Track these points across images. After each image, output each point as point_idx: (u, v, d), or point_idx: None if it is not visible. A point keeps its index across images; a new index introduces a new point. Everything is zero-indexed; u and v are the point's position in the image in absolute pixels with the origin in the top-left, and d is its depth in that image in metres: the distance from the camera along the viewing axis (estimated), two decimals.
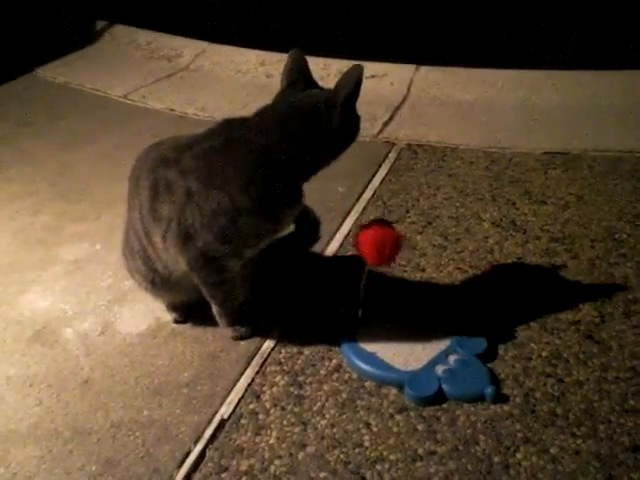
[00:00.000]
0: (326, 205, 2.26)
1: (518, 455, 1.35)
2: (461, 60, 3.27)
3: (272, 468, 1.38)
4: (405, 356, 1.58)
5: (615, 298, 1.76)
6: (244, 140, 1.53)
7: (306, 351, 1.67)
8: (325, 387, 1.56)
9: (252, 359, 1.67)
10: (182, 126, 2.98)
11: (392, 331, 1.66)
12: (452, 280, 1.88)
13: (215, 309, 1.71)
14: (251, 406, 1.53)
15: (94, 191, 2.55)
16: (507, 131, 2.75)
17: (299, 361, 1.65)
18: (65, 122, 3.22)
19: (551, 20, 3.36)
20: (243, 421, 1.50)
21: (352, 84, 1.49)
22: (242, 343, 1.72)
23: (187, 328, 1.80)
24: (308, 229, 1.90)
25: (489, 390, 1.47)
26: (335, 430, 1.45)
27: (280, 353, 1.68)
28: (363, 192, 2.36)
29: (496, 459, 1.35)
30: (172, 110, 3.26)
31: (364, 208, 2.26)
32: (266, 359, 1.66)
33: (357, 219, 2.20)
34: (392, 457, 1.38)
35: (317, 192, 2.30)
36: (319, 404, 1.52)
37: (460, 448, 1.38)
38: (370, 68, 3.41)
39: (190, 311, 1.81)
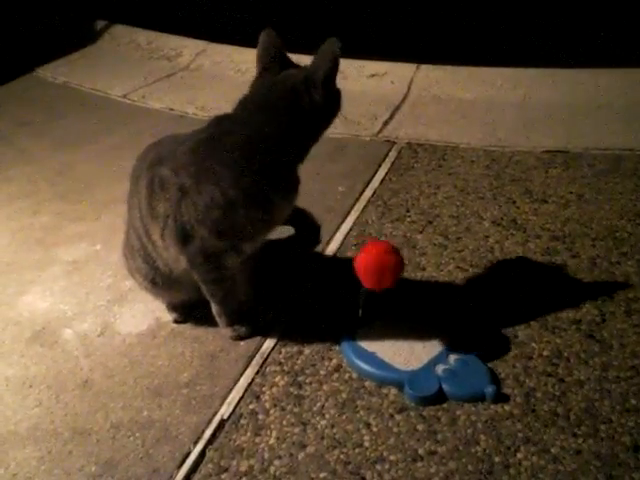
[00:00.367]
0: (326, 204, 2.26)
1: (519, 455, 1.35)
2: (461, 59, 3.27)
3: (272, 468, 1.38)
4: (405, 356, 1.58)
5: (616, 297, 1.75)
6: (230, 133, 1.53)
7: (306, 351, 1.67)
8: (325, 387, 1.56)
9: (252, 359, 1.66)
10: (182, 126, 2.97)
11: (392, 331, 1.65)
12: (452, 279, 1.88)
13: (215, 308, 1.71)
14: (251, 406, 1.53)
15: (94, 191, 2.54)
16: (507, 130, 2.75)
17: (299, 361, 1.64)
18: (65, 122, 3.22)
19: (551, 18, 3.35)
20: (243, 421, 1.49)
21: (330, 61, 1.48)
22: (242, 343, 1.72)
23: (187, 328, 1.80)
24: (307, 233, 1.90)
25: (489, 390, 1.46)
26: (335, 430, 1.45)
27: (280, 353, 1.67)
28: (363, 191, 2.36)
29: (497, 459, 1.34)
30: (172, 110, 3.26)
31: (364, 207, 2.26)
32: (266, 359, 1.66)
33: (357, 218, 2.19)
34: (392, 457, 1.37)
35: (317, 192, 2.31)
36: (319, 404, 1.51)
37: (460, 448, 1.38)
38: (370, 67, 3.42)
39: (190, 311, 1.81)
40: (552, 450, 1.35)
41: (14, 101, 3.55)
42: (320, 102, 1.51)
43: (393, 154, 2.62)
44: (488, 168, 2.46)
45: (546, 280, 1.86)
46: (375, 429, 1.44)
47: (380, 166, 2.54)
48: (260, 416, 1.50)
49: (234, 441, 1.45)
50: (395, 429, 1.43)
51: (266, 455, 1.41)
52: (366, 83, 3.33)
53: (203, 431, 1.48)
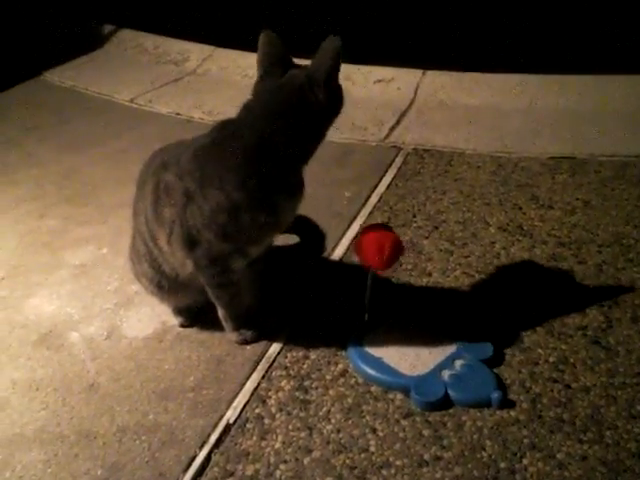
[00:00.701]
0: (332, 210, 2.26)
1: (524, 461, 1.35)
2: (467, 65, 3.27)
3: (278, 473, 1.38)
4: (411, 361, 1.58)
5: (622, 303, 1.75)
6: (234, 137, 1.53)
7: (312, 355, 1.67)
8: (331, 392, 1.56)
9: (258, 363, 1.66)
10: (188, 130, 2.97)
11: (398, 336, 1.65)
12: (458, 285, 1.88)
13: (221, 312, 1.71)
14: (257, 410, 1.53)
15: (100, 195, 2.55)
16: (513, 136, 2.75)
17: (305, 366, 1.64)
18: (72, 126, 3.23)
19: (557, 25, 3.35)
20: (249, 425, 1.49)
21: (332, 59, 1.48)
22: (248, 347, 1.72)
23: (193, 332, 1.80)
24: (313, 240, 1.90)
25: (495, 395, 1.46)
26: (341, 435, 1.45)
27: (286, 357, 1.68)
28: (369, 197, 2.36)
29: (502, 465, 1.34)
30: (178, 114, 3.27)
31: (370, 213, 2.26)
32: (272, 363, 1.66)
33: (363, 223, 2.19)
34: (398, 462, 1.37)
35: (323, 197, 2.31)
36: (325, 409, 1.51)
37: (466, 454, 1.38)
38: (377, 73, 3.43)
39: (196, 315, 1.81)
40: (558, 456, 1.35)
41: (21, 105, 3.57)
42: (323, 100, 1.50)
43: (399, 160, 2.62)
44: (494, 174, 2.46)
45: (552, 286, 1.85)
46: (381, 434, 1.44)
47: (386, 171, 2.54)
48: (266, 420, 1.50)
49: (240, 445, 1.45)
50: (401, 434, 1.43)
51: (272, 459, 1.41)
52: (373, 89, 3.34)
53: (209, 435, 1.48)
